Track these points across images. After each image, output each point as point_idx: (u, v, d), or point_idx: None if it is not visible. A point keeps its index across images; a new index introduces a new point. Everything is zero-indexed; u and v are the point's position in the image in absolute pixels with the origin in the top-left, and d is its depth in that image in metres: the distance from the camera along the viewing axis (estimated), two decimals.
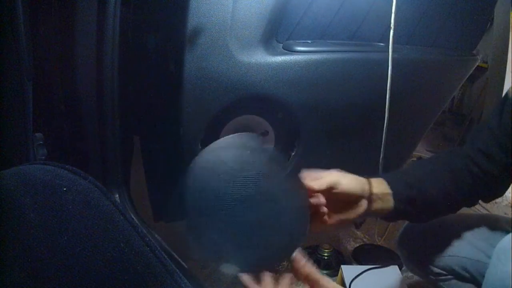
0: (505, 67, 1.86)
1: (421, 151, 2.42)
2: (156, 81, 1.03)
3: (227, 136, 0.63)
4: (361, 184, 0.71)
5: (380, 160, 1.00)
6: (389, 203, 0.75)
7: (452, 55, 1.24)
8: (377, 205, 0.74)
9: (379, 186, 0.75)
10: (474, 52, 1.31)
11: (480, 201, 0.87)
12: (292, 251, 0.57)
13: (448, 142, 2.65)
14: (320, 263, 1.32)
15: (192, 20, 0.93)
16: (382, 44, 1.14)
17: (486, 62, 2.29)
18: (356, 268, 1.11)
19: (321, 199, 0.66)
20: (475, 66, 1.33)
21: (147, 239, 0.41)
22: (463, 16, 1.22)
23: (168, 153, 1.07)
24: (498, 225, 0.87)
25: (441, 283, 0.91)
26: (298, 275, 0.57)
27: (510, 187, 0.87)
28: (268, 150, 0.90)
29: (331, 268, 1.31)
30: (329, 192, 0.67)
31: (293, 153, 1.16)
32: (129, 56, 0.98)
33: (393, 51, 0.98)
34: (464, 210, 0.89)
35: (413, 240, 0.94)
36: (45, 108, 0.85)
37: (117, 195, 0.99)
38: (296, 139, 1.15)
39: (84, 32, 0.85)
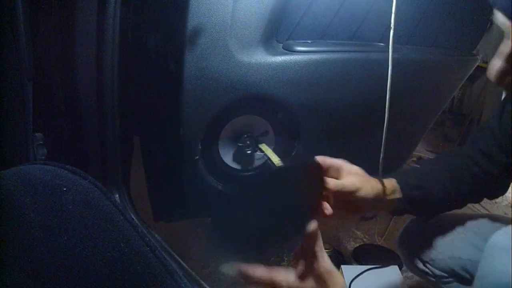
0: None
1: (421, 151, 2.42)
2: (156, 81, 1.03)
3: None
4: (376, 189, 0.75)
5: (380, 160, 0.99)
6: (394, 203, 0.79)
7: (452, 55, 1.24)
8: (383, 205, 0.78)
9: (391, 188, 0.78)
10: (474, 52, 1.31)
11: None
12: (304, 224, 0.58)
13: (448, 142, 2.65)
14: None
15: (192, 20, 0.93)
16: (382, 44, 1.14)
17: (486, 62, 2.29)
18: (356, 268, 1.11)
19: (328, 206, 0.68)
20: (475, 66, 1.33)
21: (147, 239, 0.41)
22: (463, 16, 1.22)
23: (168, 153, 1.07)
24: (499, 226, 0.87)
25: (443, 286, 0.91)
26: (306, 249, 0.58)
27: (510, 187, 0.87)
28: None
29: None
30: (344, 193, 0.70)
31: (293, 153, 1.16)
32: (129, 56, 0.98)
33: (393, 51, 0.98)
34: (466, 210, 0.89)
35: (414, 240, 0.94)
36: (45, 108, 0.85)
37: (117, 195, 0.99)
38: (296, 139, 1.15)
39: (84, 32, 0.85)
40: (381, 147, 0.99)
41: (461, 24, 1.23)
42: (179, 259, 0.91)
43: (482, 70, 2.39)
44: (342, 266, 1.13)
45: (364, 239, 1.50)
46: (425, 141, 2.49)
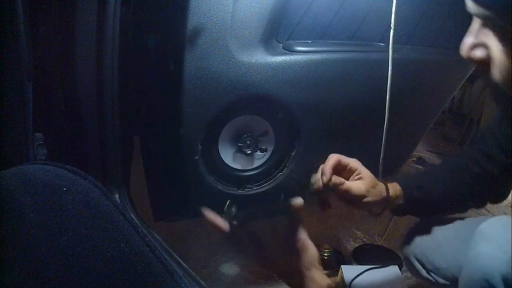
0: None
1: (421, 151, 2.42)
2: (156, 81, 1.03)
3: None
4: (381, 195, 0.80)
5: (380, 160, 1.00)
6: (396, 204, 0.83)
7: (452, 55, 1.24)
8: (385, 206, 0.83)
9: (395, 194, 0.83)
10: None
11: None
12: None
13: (448, 142, 2.65)
14: (320, 263, 1.32)
15: (192, 20, 0.93)
16: (382, 44, 1.14)
17: None
18: (356, 268, 1.11)
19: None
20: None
21: (147, 239, 0.41)
22: (463, 16, 1.22)
23: (168, 153, 1.07)
24: None
25: None
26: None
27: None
28: None
29: (331, 268, 1.31)
30: (350, 195, 0.77)
31: (293, 153, 1.16)
32: (129, 56, 0.98)
33: (393, 51, 0.98)
34: (470, 214, 0.88)
35: (417, 248, 0.93)
36: (45, 108, 0.85)
37: (117, 195, 0.99)
38: (296, 139, 1.15)
39: (84, 32, 0.85)
40: (381, 147, 0.99)
41: (461, 24, 1.22)
42: (179, 259, 0.91)
43: None
44: (342, 266, 1.13)
45: (364, 239, 1.50)
46: (425, 141, 2.49)
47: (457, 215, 0.92)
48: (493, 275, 0.59)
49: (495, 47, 0.52)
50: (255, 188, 1.17)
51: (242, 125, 1.09)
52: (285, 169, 1.17)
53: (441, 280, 0.88)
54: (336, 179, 0.76)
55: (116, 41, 0.88)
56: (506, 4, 0.46)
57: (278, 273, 0.65)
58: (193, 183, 1.09)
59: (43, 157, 0.72)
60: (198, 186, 1.09)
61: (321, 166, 0.78)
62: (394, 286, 1.07)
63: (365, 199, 0.78)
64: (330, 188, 0.76)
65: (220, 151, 1.10)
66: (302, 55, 1.04)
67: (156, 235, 0.99)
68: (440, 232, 0.89)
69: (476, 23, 0.55)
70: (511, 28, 0.47)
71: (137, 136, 1.12)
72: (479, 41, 0.54)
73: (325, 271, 1.31)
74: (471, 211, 0.90)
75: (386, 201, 0.81)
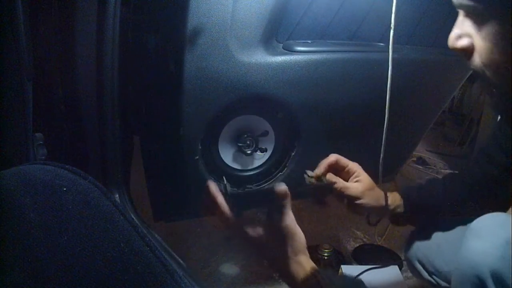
0: None
1: (421, 151, 2.42)
2: (156, 81, 1.03)
3: None
4: (378, 201, 0.83)
5: (380, 160, 0.99)
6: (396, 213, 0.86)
7: (452, 55, 1.24)
8: (384, 213, 0.87)
9: (394, 203, 0.86)
10: None
11: None
12: None
13: (448, 142, 2.65)
14: (320, 263, 1.32)
15: (192, 20, 0.93)
16: (382, 44, 1.14)
17: None
18: (356, 268, 1.12)
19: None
20: None
21: (147, 239, 0.41)
22: None
23: (168, 153, 1.07)
24: None
25: None
26: None
27: None
28: None
29: (331, 268, 1.31)
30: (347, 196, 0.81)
31: (293, 153, 1.16)
32: (129, 56, 0.98)
33: (393, 51, 0.98)
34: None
35: (419, 251, 0.93)
36: (45, 108, 0.85)
37: (117, 195, 0.99)
38: (296, 139, 1.15)
39: (84, 32, 0.85)
40: (381, 147, 0.99)
41: None
42: (179, 259, 0.91)
43: None
44: (342, 266, 1.13)
45: (364, 239, 1.50)
46: (425, 141, 2.49)
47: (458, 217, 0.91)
48: (483, 271, 0.60)
49: (476, 34, 0.56)
50: (255, 188, 1.17)
51: (242, 125, 1.09)
52: (285, 169, 1.17)
53: (443, 283, 0.88)
54: (331, 177, 0.78)
55: (116, 41, 0.88)
56: None
57: (267, 260, 0.67)
58: (193, 183, 1.09)
59: (43, 157, 0.72)
60: (198, 186, 1.09)
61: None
62: (394, 286, 1.07)
63: (361, 201, 0.79)
64: (322, 181, 0.78)
65: (220, 151, 1.10)
66: (302, 55, 1.04)
67: (156, 235, 0.99)
68: (441, 235, 0.89)
69: (460, 16, 0.59)
70: (488, 13, 0.52)
71: (137, 136, 1.12)
72: (463, 31, 0.59)
73: None
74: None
75: (384, 209, 0.82)
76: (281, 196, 0.63)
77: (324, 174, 0.81)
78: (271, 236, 0.63)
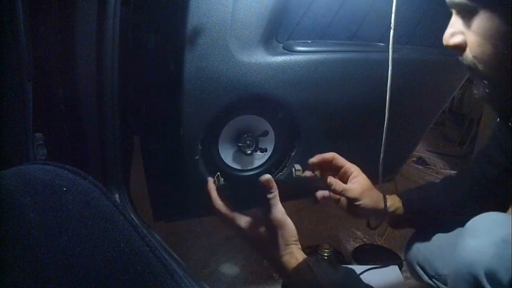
0: None
1: (421, 151, 2.42)
2: (156, 81, 1.03)
3: None
4: (376, 203, 0.83)
5: (380, 160, 0.99)
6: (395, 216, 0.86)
7: (452, 55, 1.24)
8: (383, 217, 0.87)
9: (393, 205, 0.87)
10: None
11: None
12: None
13: (448, 142, 2.65)
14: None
15: (192, 20, 0.93)
16: (382, 44, 1.14)
17: None
18: (356, 268, 1.11)
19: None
20: None
21: (147, 239, 0.41)
22: None
23: (168, 153, 1.07)
24: None
25: None
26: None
27: None
28: None
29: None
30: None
31: (293, 153, 1.16)
32: (129, 56, 0.98)
33: (393, 51, 0.98)
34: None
35: (419, 254, 0.93)
36: (45, 108, 0.85)
37: (117, 195, 0.99)
38: (296, 139, 1.15)
39: (84, 32, 0.85)
40: (381, 147, 0.99)
41: None
42: (179, 259, 0.91)
43: None
44: (342, 266, 1.13)
45: (364, 239, 1.50)
46: (425, 141, 2.49)
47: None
48: (477, 269, 0.60)
49: (467, 31, 0.59)
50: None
51: (242, 125, 1.09)
52: (285, 169, 1.17)
53: (443, 286, 0.88)
54: (331, 179, 0.78)
55: (116, 41, 0.88)
56: None
57: (259, 251, 0.68)
58: (193, 183, 1.09)
59: (43, 157, 0.72)
60: (198, 186, 1.09)
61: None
62: (394, 286, 1.07)
63: (360, 202, 0.79)
64: (313, 169, 0.81)
65: (220, 151, 1.10)
66: (302, 55, 1.04)
67: (156, 235, 0.99)
68: (442, 238, 0.89)
69: (453, 15, 0.62)
70: (476, 8, 0.55)
71: (137, 136, 1.12)
72: (456, 29, 0.62)
73: None
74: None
75: (383, 212, 0.82)
76: (265, 186, 0.64)
77: (317, 166, 0.82)
78: (261, 228, 0.64)
